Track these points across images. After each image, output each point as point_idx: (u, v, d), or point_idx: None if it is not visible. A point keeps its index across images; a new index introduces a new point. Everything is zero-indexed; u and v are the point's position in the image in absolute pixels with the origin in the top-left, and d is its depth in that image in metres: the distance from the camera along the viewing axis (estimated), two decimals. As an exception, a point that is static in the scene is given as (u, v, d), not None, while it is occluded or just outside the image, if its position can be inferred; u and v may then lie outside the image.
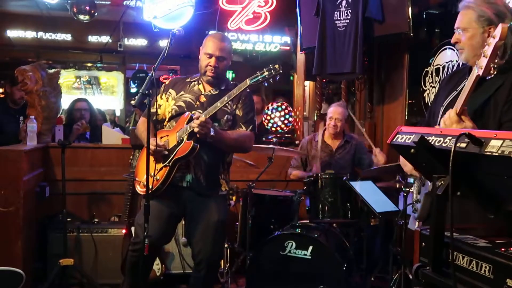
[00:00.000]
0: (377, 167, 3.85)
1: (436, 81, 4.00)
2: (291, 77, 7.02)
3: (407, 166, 2.11)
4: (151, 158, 2.75)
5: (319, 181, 3.65)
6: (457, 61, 3.70)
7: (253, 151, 3.94)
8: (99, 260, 3.87)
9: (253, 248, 3.59)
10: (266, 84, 2.76)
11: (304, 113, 5.98)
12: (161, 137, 2.88)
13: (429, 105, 4.05)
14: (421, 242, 1.52)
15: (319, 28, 4.41)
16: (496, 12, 2.02)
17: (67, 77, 8.27)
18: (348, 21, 4.28)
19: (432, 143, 1.45)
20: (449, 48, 3.81)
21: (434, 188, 1.42)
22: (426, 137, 1.46)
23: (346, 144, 4.21)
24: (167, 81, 3.14)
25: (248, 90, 2.84)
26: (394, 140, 1.61)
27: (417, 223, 2.15)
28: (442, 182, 1.40)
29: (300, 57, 5.58)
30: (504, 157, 1.22)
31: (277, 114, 5.32)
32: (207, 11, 5.89)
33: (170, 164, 2.79)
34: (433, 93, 4.03)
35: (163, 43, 7.52)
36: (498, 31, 1.71)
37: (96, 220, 4.04)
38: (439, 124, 2.12)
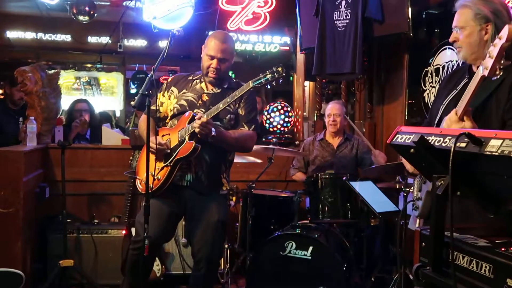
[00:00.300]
0: (377, 166, 3.85)
1: (436, 81, 3.99)
2: (291, 78, 7.01)
3: (408, 165, 2.11)
4: (153, 157, 2.76)
5: (319, 181, 3.65)
6: (457, 61, 3.70)
7: (253, 152, 3.95)
8: (99, 261, 3.87)
9: (253, 249, 3.59)
10: (269, 87, 2.75)
11: (304, 114, 5.98)
12: (163, 135, 2.89)
13: (429, 105, 4.07)
14: (421, 242, 1.52)
15: (318, 29, 4.41)
16: (493, 10, 2.03)
17: (66, 78, 8.26)
18: (347, 21, 4.28)
19: (431, 143, 1.45)
20: (449, 48, 3.80)
21: (434, 188, 1.42)
22: (425, 137, 1.46)
23: (346, 141, 4.22)
24: (169, 79, 3.13)
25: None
26: (394, 140, 1.61)
27: (418, 221, 2.15)
28: (442, 182, 1.40)
29: (300, 57, 5.58)
30: (504, 157, 1.22)
31: (277, 114, 5.32)
32: (206, 12, 5.89)
33: (171, 164, 2.79)
34: (433, 93, 4.03)
35: (163, 43, 7.53)
36: (505, 32, 1.71)
37: (96, 221, 4.04)
38: (438, 124, 2.12)
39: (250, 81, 2.71)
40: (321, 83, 5.53)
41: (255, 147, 3.19)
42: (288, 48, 6.77)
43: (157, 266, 3.80)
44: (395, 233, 3.63)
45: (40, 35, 7.79)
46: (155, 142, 2.74)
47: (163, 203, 2.88)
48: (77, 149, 4.32)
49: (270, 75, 2.66)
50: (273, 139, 4.19)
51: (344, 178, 3.59)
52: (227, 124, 2.89)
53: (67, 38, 7.94)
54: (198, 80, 3.01)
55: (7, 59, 8.15)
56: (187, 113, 2.84)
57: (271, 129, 5.33)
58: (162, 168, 2.82)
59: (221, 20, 5.83)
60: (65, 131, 4.52)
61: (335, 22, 4.35)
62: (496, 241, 1.38)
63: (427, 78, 4.12)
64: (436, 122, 2.16)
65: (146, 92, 2.50)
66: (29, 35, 7.76)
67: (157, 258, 3.70)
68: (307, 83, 6.06)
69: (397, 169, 3.34)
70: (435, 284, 1.41)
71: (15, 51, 7.94)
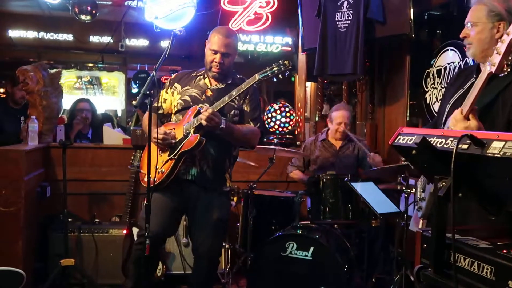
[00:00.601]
0: (378, 168, 3.85)
1: (437, 83, 3.99)
2: (292, 78, 7.01)
3: None
4: (157, 150, 2.75)
5: (320, 182, 3.65)
6: (458, 63, 3.70)
7: (254, 152, 3.96)
8: (100, 260, 3.86)
9: (254, 249, 3.60)
10: (275, 79, 2.74)
11: (306, 114, 5.97)
12: (168, 130, 2.89)
13: (431, 106, 4.07)
14: (423, 243, 1.52)
15: (320, 29, 4.41)
16: (508, 8, 2.01)
17: (68, 77, 8.26)
18: (349, 22, 4.27)
19: (434, 144, 1.45)
20: (451, 50, 3.80)
21: (435, 189, 1.42)
22: (427, 139, 1.45)
23: (349, 143, 4.21)
24: (172, 76, 3.13)
25: (254, 86, 2.84)
26: (395, 141, 1.60)
27: (421, 221, 2.14)
28: (443, 183, 1.40)
29: (302, 58, 5.58)
30: (506, 159, 1.21)
31: (278, 114, 5.32)
32: (208, 12, 5.88)
33: (176, 157, 2.79)
34: (434, 94, 4.02)
35: (165, 43, 7.52)
36: None
37: (97, 220, 4.04)
38: (444, 124, 2.11)
39: (256, 74, 2.71)
40: (322, 83, 5.53)
41: (256, 147, 3.20)
42: (289, 48, 6.76)
43: (157, 266, 3.80)
44: (396, 234, 3.63)
45: (42, 34, 7.78)
46: (161, 133, 2.75)
47: (167, 197, 2.88)
48: (78, 149, 4.32)
49: (276, 68, 2.67)
50: (275, 140, 4.19)
51: (345, 179, 3.58)
52: (231, 119, 2.89)
53: (69, 37, 7.93)
54: (201, 76, 3.01)
55: (9, 58, 8.15)
56: (192, 108, 2.84)
57: (271, 130, 5.33)
58: (167, 161, 2.83)
59: (223, 20, 5.82)
60: (66, 130, 4.52)
61: (337, 22, 4.35)
62: (498, 243, 1.37)
63: (428, 79, 4.12)
64: (443, 121, 2.15)
65: (148, 92, 2.51)
66: (31, 34, 7.76)
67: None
68: (308, 83, 6.04)
69: (399, 170, 3.35)
70: (436, 286, 1.41)
71: (17, 50, 7.94)
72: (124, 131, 5.24)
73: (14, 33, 7.73)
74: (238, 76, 3.05)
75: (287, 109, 5.31)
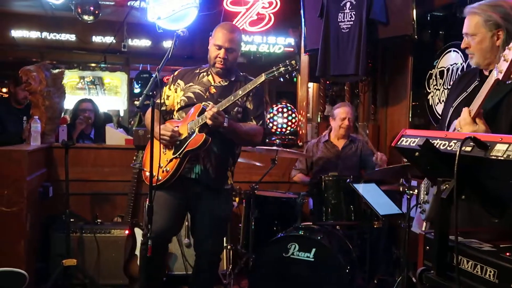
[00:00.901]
0: (380, 169, 3.84)
1: (440, 84, 3.98)
2: (295, 79, 7.01)
3: None
4: (160, 147, 2.76)
5: (323, 183, 3.65)
6: (461, 64, 3.69)
7: (256, 153, 3.96)
8: (102, 260, 3.87)
9: (256, 250, 3.60)
10: (281, 79, 2.74)
11: (308, 115, 5.97)
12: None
13: (433, 107, 4.06)
14: (425, 245, 1.51)
15: (323, 30, 4.40)
16: (503, 15, 2.01)
17: (71, 77, 8.29)
18: (352, 23, 4.27)
19: (437, 146, 1.45)
20: (454, 51, 3.79)
21: (438, 191, 1.41)
22: (431, 141, 1.45)
23: (351, 143, 4.21)
24: (175, 72, 3.11)
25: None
26: (398, 143, 1.60)
27: (424, 224, 2.14)
28: (446, 185, 1.39)
29: (304, 58, 5.58)
30: (509, 162, 1.21)
31: (280, 115, 5.32)
32: (211, 12, 5.88)
33: (180, 156, 2.78)
34: (437, 95, 4.02)
35: (167, 44, 7.53)
36: None
37: (99, 220, 4.04)
38: (448, 127, 2.11)
39: (263, 74, 2.71)
40: (325, 84, 5.52)
41: (257, 148, 3.20)
42: (292, 49, 6.76)
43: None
44: (398, 235, 3.62)
45: (45, 34, 7.81)
46: (169, 130, 2.74)
47: (171, 195, 2.88)
48: (80, 149, 4.32)
49: (283, 68, 2.67)
50: (277, 141, 4.19)
51: (347, 180, 3.58)
52: (234, 117, 2.89)
53: (72, 37, 7.95)
54: (205, 73, 3.00)
55: (12, 58, 8.18)
56: (196, 106, 2.83)
57: (272, 130, 5.33)
58: (171, 160, 2.82)
59: (226, 21, 5.81)
60: (69, 130, 4.53)
61: (340, 23, 4.34)
62: (501, 246, 1.37)
63: (431, 80, 4.11)
64: (446, 125, 2.15)
65: (151, 93, 2.51)
66: (34, 34, 7.78)
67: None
68: (311, 84, 6.04)
69: (401, 171, 3.34)
70: (439, 288, 1.41)
71: (19, 50, 7.97)
72: (127, 131, 5.25)
73: (17, 33, 7.75)
74: (241, 73, 3.04)
75: (285, 110, 5.31)
